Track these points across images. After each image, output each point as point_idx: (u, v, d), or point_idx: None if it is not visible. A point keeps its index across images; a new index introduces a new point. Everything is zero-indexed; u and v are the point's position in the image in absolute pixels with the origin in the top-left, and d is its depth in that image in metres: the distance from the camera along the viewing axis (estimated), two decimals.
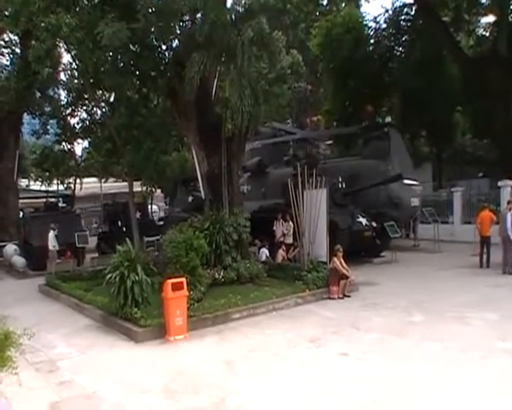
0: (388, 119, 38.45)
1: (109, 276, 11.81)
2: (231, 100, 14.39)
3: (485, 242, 18.86)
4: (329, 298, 14.43)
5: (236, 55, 14.56)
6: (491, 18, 33.15)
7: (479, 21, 35.07)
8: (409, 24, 34.38)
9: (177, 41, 17.09)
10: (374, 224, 20.75)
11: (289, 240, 19.05)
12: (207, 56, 14.64)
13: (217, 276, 14.67)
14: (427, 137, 39.61)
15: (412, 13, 34.39)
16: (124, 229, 24.85)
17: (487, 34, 34.69)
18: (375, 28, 36.00)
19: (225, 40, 14.85)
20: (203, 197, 17.59)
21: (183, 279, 11.36)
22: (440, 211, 26.60)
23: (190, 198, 26.65)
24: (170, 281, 11.03)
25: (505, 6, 29.49)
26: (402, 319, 11.93)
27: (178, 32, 16.70)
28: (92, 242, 25.69)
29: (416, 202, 23.16)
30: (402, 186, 21.85)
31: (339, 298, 14.42)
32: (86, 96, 21.18)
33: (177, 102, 17.25)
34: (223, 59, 15.54)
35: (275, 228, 20.11)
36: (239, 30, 14.93)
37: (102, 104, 21.06)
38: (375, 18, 35.99)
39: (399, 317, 12.10)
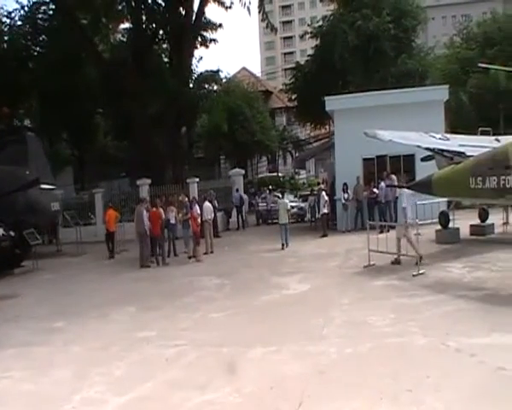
0: (27, 121, 36.97)
1: None
2: None
3: (110, 236, 21.17)
4: None
5: None
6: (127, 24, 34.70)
7: (117, 27, 36.21)
8: (46, 23, 33.41)
9: None
10: (12, 233, 19.67)
11: None
12: None
13: None
14: (68, 140, 39.35)
15: (50, 12, 33.53)
16: None
17: (125, 39, 36.07)
18: (9, 25, 34.11)
19: None
20: None
21: None
22: (83, 213, 26.80)
23: None
24: None
25: (138, 14, 31.31)
26: (45, 327, 11.54)
27: None
28: None
29: (56, 206, 22.71)
30: (41, 191, 21.09)
31: None
32: None
33: None
34: None
35: None
36: None
37: None
38: (10, 13, 34.16)
39: (42, 326, 11.67)
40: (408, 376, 7.09)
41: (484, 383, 6.73)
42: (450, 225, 18.34)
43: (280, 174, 49.47)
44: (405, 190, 15.80)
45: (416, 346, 8.24)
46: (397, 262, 14.53)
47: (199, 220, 18.94)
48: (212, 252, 19.84)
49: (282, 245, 19.87)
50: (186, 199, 20.64)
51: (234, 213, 28.69)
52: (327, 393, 6.86)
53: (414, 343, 8.35)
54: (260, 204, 31.25)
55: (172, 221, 19.93)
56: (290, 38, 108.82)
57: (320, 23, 37.87)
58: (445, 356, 7.73)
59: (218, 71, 34.09)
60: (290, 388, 7.09)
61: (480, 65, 22.00)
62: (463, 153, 15.35)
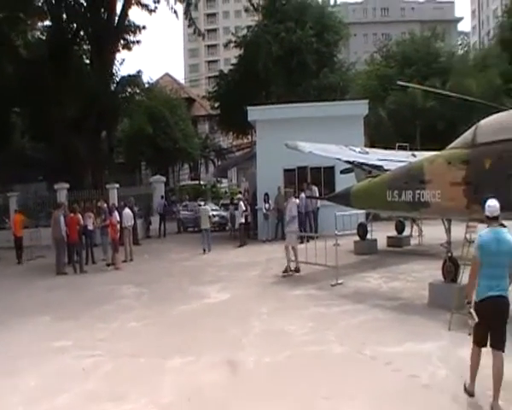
0: None
1: None
2: None
3: (18, 241, 21.20)
4: None
5: None
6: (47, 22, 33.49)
7: (36, 23, 34.89)
8: None
9: None
10: None
11: None
12: None
13: None
14: None
15: None
16: None
17: (44, 37, 34.86)
18: None
19: None
20: None
21: None
22: None
23: None
24: None
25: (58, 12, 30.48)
26: None
27: None
28: None
29: None
30: None
31: None
32: None
33: None
34: None
35: None
36: None
37: None
38: None
39: None
40: (324, 384, 7.23)
41: (398, 390, 6.94)
42: (368, 236, 18.90)
43: (202, 182, 49.27)
44: (293, 199, 16.09)
45: (333, 354, 8.41)
46: (296, 270, 14.95)
47: (118, 227, 18.59)
48: (131, 260, 19.53)
49: (204, 250, 20.83)
50: (105, 205, 20.23)
51: (155, 219, 28.33)
52: (245, 402, 6.89)
53: (331, 352, 8.52)
54: (182, 212, 31.08)
55: (90, 227, 19.47)
56: (214, 46, 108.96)
57: (244, 32, 38.27)
58: (361, 364, 7.92)
59: (139, 73, 33.38)
60: (208, 398, 7.07)
61: (399, 83, 22.77)
62: (381, 166, 15.82)
